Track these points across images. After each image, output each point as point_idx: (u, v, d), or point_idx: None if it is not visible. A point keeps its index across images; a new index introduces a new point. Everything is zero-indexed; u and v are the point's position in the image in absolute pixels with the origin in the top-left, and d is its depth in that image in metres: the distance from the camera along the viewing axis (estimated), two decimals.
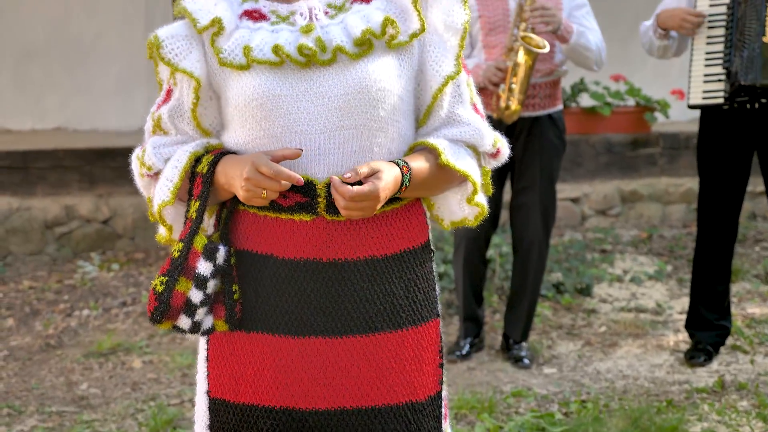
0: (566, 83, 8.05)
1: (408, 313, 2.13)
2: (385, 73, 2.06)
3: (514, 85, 4.55)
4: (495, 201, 4.70)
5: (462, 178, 2.16)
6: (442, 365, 2.20)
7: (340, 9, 2.13)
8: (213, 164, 2.08)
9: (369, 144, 2.07)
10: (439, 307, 2.23)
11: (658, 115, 7.90)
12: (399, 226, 2.14)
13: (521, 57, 4.54)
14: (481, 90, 4.55)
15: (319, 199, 2.05)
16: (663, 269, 6.31)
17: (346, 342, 2.10)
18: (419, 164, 2.09)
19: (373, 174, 2.00)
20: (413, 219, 2.17)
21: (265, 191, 2.00)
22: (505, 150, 2.22)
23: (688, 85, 4.63)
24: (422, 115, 2.16)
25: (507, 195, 5.08)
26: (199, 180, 2.09)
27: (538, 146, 4.79)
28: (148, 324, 5.29)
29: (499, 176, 4.71)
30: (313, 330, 2.09)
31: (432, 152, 2.12)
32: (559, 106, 4.88)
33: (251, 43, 2.07)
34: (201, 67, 2.10)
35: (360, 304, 2.09)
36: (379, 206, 2.03)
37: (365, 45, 2.06)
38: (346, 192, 1.96)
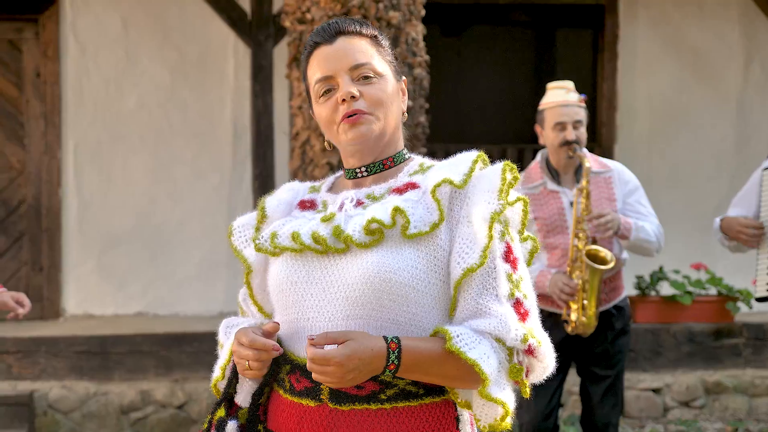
0: (645, 271, 7.99)
1: None
2: (394, 264, 2.00)
3: (585, 301, 4.48)
4: (553, 391, 4.62)
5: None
6: None
7: (375, 199, 2.13)
8: None
9: (377, 335, 1.98)
10: None
11: (740, 304, 7.75)
12: (413, 427, 2.03)
13: (587, 274, 4.47)
14: (547, 297, 4.53)
15: (323, 387, 2.03)
16: None
17: None
18: (418, 345, 1.97)
19: (344, 341, 1.91)
20: (434, 423, 2.05)
21: (248, 362, 2.02)
22: (543, 350, 2.03)
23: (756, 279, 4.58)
24: (450, 307, 2.06)
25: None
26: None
27: (606, 338, 4.70)
28: None
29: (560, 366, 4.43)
30: None
31: (443, 338, 1.99)
32: (623, 294, 4.79)
33: (279, 230, 2.14)
34: (258, 255, 2.20)
35: None
36: (350, 377, 1.91)
37: (375, 234, 2.02)
38: (308, 351, 1.92)
